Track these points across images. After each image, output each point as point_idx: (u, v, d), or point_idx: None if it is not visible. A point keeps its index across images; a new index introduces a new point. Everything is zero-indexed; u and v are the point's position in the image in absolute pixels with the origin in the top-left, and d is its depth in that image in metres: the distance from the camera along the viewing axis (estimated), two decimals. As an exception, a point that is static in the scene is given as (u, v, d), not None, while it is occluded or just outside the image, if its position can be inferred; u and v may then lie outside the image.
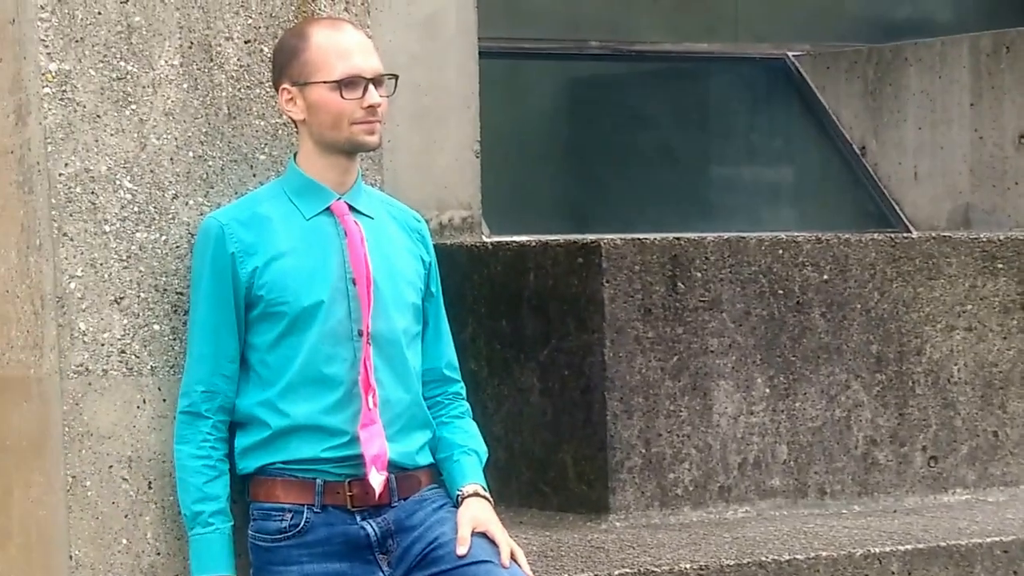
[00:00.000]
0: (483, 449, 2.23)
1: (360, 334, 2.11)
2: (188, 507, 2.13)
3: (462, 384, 2.27)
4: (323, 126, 2.14)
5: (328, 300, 2.11)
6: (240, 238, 2.13)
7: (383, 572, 2.12)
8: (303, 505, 2.12)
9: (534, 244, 2.99)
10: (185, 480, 2.13)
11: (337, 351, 2.11)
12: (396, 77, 2.17)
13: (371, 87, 2.13)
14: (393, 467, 2.14)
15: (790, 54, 4.63)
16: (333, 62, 2.12)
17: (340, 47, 2.13)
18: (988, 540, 2.76)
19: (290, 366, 2.10)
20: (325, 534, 2.11)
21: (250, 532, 2.16)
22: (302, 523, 2.11)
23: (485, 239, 3.52)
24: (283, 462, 2.13)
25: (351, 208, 2.17)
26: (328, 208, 2.15)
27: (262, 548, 2.14)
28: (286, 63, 2.16)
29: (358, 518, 2.12)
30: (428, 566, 2.11)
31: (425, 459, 2.19)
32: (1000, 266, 3.18)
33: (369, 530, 2.13)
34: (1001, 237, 3.22)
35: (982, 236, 3.21)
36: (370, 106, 2.12)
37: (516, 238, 3.27)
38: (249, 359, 2.14)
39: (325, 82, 2.12)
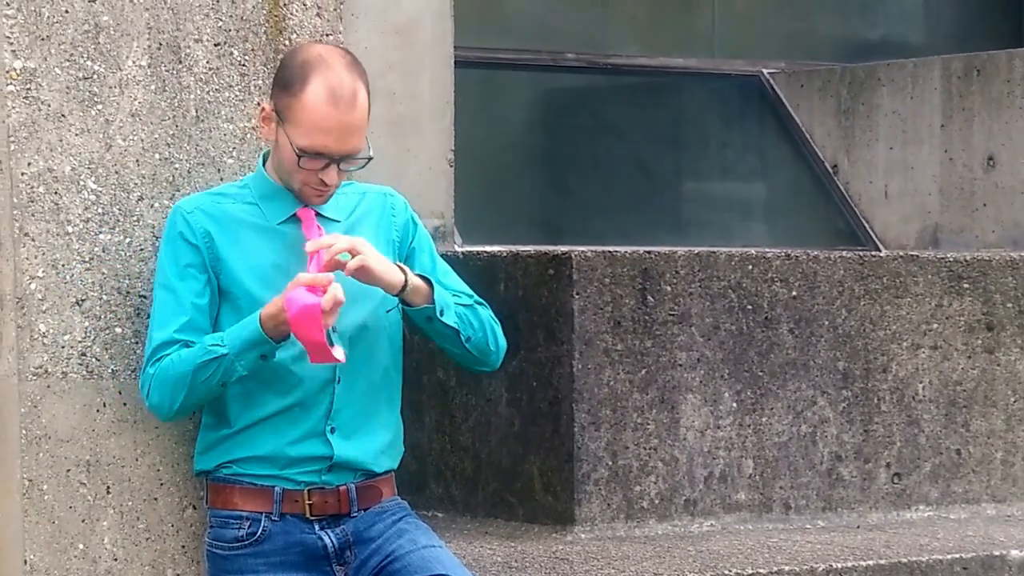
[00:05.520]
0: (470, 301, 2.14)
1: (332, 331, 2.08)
2: (202, 359, 2.03)
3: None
4: (280, 164, 2.13)
5: None
6: (204, 227, 2.11)
7: (339, 583, 2.11)
8: (261, 513, 2.10)
9: (505, 254, 2.98)
10: (180, 367, 2.04)
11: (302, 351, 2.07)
12: (369, 159, 2.08)
13: (334, 166, 2.06)
14: (352, 470, 2.13)
15: (764, 71, 4.65)
16: (308, 130, 2.04)
17: (323, 122, 2.03)
18: (949, 557, 2.77)
19: None
20: (282, 543, 2.10)
21: (207, 539, 2.15)
22: (259, 531, 2.09)
23: (457, 248, 3.51)
24: (243, 459, 2.10)
25: (317, 214, 2.15)
26: (295, 215, 2.14)
27: (219, 556, 2.12)
28: (279, 87, 2.10)
29: (316, 527, 2.11)
30: (384, 578, 2.09)
31: (387, 464, 2.18)
32: (966, 286, 3.20)
33: (327, 540, 2.11)
34: (967, 258, 3.23)
35: (949, 256, 3.22)
36: (323, 181, 2.07)
37: (488, 248, 3.26)
38: None
39: (291, 141, 2.07)
